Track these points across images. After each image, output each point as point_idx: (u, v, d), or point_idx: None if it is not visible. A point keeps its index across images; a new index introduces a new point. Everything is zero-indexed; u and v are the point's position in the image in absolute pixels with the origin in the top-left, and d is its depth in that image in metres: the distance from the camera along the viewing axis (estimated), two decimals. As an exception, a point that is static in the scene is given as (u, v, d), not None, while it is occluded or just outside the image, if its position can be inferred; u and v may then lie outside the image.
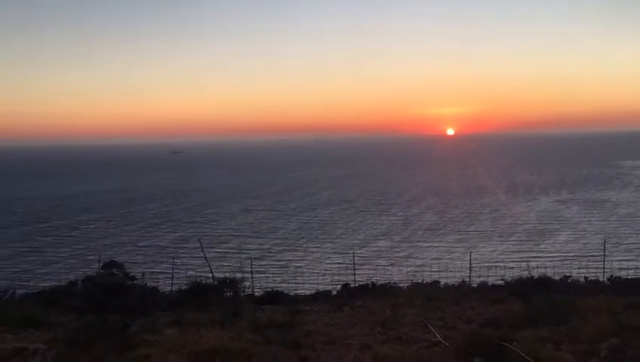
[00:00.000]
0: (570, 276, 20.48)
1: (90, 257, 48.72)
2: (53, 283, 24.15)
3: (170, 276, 23.84)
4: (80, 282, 19.83)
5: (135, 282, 18.07)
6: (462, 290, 18.54)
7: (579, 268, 28.30)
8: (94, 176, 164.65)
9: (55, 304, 17.23)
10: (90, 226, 70.02)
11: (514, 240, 54.63)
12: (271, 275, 38.61)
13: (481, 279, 23.80)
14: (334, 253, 50.95)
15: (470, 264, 23.47)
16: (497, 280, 21.01)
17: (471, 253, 28.80)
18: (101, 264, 21.56)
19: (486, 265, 36.11)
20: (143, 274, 21.18)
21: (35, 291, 21.30)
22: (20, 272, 45.09)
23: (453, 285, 20.06)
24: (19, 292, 20.88)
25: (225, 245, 55.67)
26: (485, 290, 18.45)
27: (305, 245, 55.08)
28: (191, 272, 25.01)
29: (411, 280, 21.80)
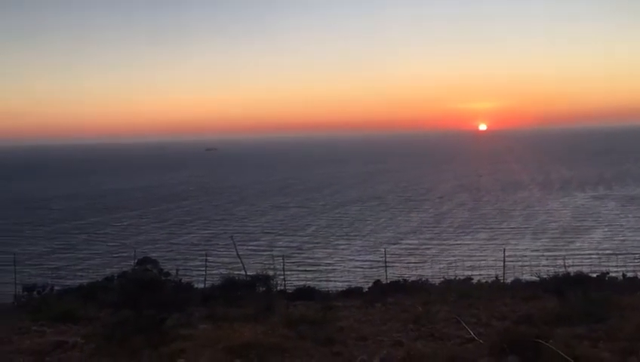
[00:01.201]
0: (608, 273, 20.06)
1: (124, 254, 49.68)
2: (90, 279, 24.68)
3: (202, 272, 24.14)
4: (115, 278, 20.28)
5: (169, 278, 18.39)
6: (495, 287, 18.32)
7: (616, 266, 27.68)
8: (130, 173, 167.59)
9: (92, 299, 17.61)
10: (124, 223, 71.35)
11: (548, 238, 53.67)
12: (302, 272, 38.75)
13: (515, 276, 23.50)
14: (364, 249, 50.87)
15: (504, 261, 23.16)
16: (531, 277, 20.70)
17: (504, 249, 28.41)
18: (136, 260, 22.00)
19: (519, 262, 35.58)
20: (177, 270, 21.50)
21: (72, 286, 21.81)
22: (58, 268, 46.16)
23: (486, 282, 19.85)
24: (57, 287, 21.38)
25: (256, 242, 56.08)
26: (519, 287, 18.21)
27: (335, 242, 55.11)
28: (223, 269, 25.29)
29: (443, 277, 21.63)
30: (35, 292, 18.54)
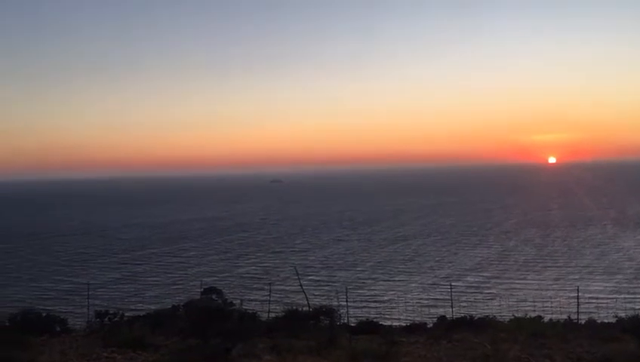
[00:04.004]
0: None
1: (189, 283, 50.81)
2: (157, 307, 25.32)
3: (266, 303, 24.28)
4: (182, 306, 20.70)
5: (234, 308, 18.62)
6: (569, 327, 17.46)
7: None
8: (194, 205, 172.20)
9: (160, 326, 18.01)
10: (189, 253, 73.08)
11: (622, 278, 50.78)
12: (364, 306, 38.32)
13: (589, 316, 22.36)
14: (426, 285, 49.83)
15: (578, 299, 22.10)
16: (607, 317, 19.65)
17: (578, 287, 27.15)
18: (201, 289, 22.43)
19: (593, 302, 33.90)
20: (241, 300, 21.78)
21: (141, 314, 22.40)
22: (127, 295, 47.72)
23: (558, 321, 18.94)
24: (127, 314, 22.01)
25: (317, 274, 56.06)
26: (595, 327, 17.30)
27: (396, 277, 54.28)
28: (286, 300, 25.36)
29: (513, 315, 20.82)
30: (106, 319, 19.14)
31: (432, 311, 30.05)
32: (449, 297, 27.28)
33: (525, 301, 36.18)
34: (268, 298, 25.10)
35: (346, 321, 19.50)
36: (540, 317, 19.78)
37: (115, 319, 19.71)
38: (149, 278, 56.95)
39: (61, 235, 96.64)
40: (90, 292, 30.72)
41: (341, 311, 19.08)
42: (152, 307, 26.33)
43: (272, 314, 20.23)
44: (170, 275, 58.26)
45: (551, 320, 19.39)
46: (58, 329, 18.93)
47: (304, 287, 23.61)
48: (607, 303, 33.06)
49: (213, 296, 20.66)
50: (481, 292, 45.91)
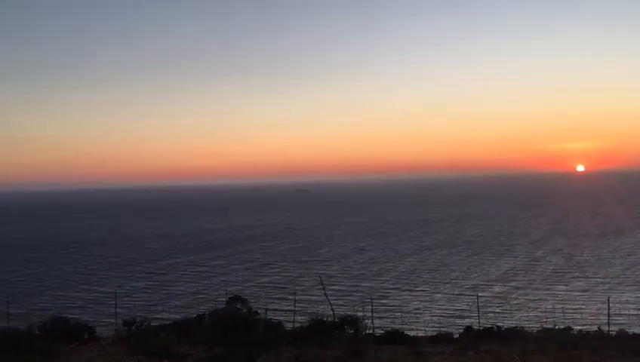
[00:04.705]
0: None
1: (214, 292, 51.07)
2: (183, 315, 25.49)
3: (290, 312, 24.27)
4: (207, 315, 20.83)
5: (259, 317, 18.66)
6: (599, 338, 17.08)
7: None
8: (220, 214, 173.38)
9: (185, 335, 18.13)
10: (214, 262, 73.52)
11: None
12: (389, 315, 38.03)
13: (620, 328, 21.84)
14: (453, 294, 49.27)
15: (608, 310, 21.62)
16: (639, 329, 19.15)
17: (609, 298, 26.54)
18: (227, 298, 22.52)
19: (624, 313, 33.09)
20: (266, 309, 21.83)
21: (167, 322, 22.59)
22: (154, 303, 48.15)
23: (588, 332, 18.54)
24: (153, 323, 22.21)
25: (341, 283, 55.85)
26: (626, 339, 16.88)
27: (420, 286, 53.79)
28: (311, 309, 25.30)
29: (541, 325, 20.45)
30: (133, 327, 19.35)
31: (458, 321, 29.71)
32: (475, 307, 26.94)
33: (553, 311, 35.50)
34: (292, 307, 25.09)
35: (371, 331, 19.38)
36: (569, 328, 19.40)
37: (142, 327, 19.92)
38: (174, 287, 57.38)
39: (87, 244, 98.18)
40: (117, 301, 31.08)
41: (366, 321, 18.97)
42: (177, 316, 26.50)
43: (297, 324, 20.21)
44: (194, 284, 58.63)
45: (581, 331, 18.99)
46: (86, 336, 19.20)
47: (329, 297, 23.55)
48: (638, 314, 32.21)
49: (238, 305, 20.75)
50: (508, 303, 45.19)
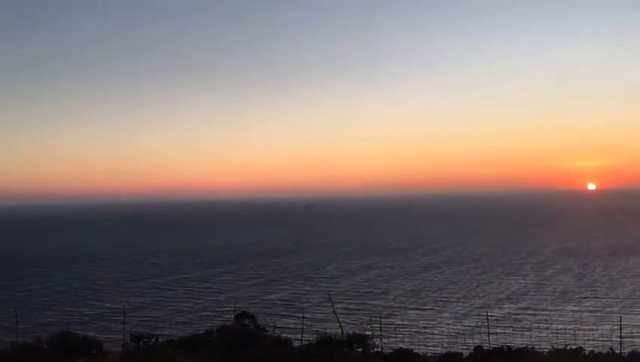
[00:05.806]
0: None
1: (222, 308, 50.95)
2: (191, 332, 25.41)
3: (298, 329, 24.14)
4: (215, 331, 20.77)
5: (267, 333, 18.59)
6: (610, 359, 16.86)
7: None
8: (227, 230, 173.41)
9: (193, 351, 18.07)
10: (221, 278, 73.38)
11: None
12: (397, 333, 37.71)
13: (632, 349, 21.55)
14: (461, 313, 48.86)
15: (620, 330, 21.35)
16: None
17: (621, 318, 26.22)
18: (235, 314, 22.47)
19: (636, 334, 32.69)
20: (274, 326, 21.75)
21: (174, 338, 22.53)
22: (161, 320, 48.05)
23: (600, 353, 18.30)
24: (161, 339, 22.16)
25: (349, 301, 55.53)
26: (638, 360, 16.64)
27: (427, 305, 53.38)
28: (319, 326, 25.16)
29: (552, 346, 20.22)
30: (141, 343, 19.31)
31: (468, 340, 29.41)
32: (484, 326, 26.68)
33: (565, 332, 35.12)
34: (300, 324, 24.96)
35: (379, 349, 19.22)
36: (580, 349, 19.16)
37: (150, 343, 19.87)
38: (182, 303, 57.27)
39: (93, 260, 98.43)
40: (125, 317, 31.04)
41: (374, 339, 18.83)
42: (184, 332, 26.43)
43: (305, 341, 20.09)
44: (201, 300, 58.50)
45: (592, 351, 18.76)
46: (94, 351, 19.17)
47: (337, 314, 23.41)
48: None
49: (247, 321, 20.69)
50: (518, 322, 44.74)
